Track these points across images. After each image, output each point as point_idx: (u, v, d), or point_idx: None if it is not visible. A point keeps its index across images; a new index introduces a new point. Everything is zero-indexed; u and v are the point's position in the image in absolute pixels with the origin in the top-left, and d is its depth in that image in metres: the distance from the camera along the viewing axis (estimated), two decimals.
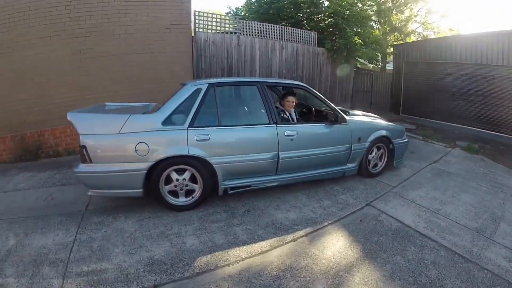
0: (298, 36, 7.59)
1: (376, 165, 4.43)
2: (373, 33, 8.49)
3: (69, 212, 3.29)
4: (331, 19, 8.10)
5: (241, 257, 2.57)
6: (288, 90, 4.09)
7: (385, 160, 4.48)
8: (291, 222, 3.18)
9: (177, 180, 3.25)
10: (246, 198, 3.64)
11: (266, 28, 7.12)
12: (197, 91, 3.35)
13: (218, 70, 6.49)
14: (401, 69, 8.47)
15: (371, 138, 4.17)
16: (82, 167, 3.04)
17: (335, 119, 3.90)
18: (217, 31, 6.58)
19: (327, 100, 4.01)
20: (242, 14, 9.64)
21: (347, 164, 4.12)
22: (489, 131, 6.47)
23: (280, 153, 3.48)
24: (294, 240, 2.88)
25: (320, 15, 8.54)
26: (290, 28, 7.55)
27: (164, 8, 5.60)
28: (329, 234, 3.01)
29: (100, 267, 2.39)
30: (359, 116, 4.49)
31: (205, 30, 6.39)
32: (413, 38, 10.17)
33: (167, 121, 3.21)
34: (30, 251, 2.60)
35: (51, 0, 5.11)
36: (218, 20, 6.57)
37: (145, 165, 3.08)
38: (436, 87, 7.39)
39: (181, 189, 3.30)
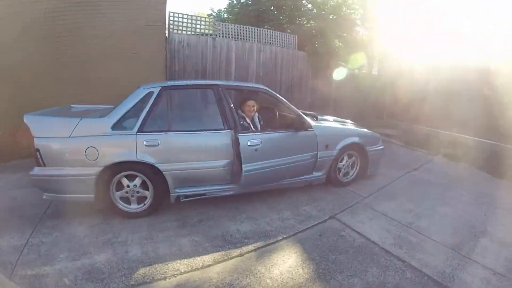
0: (277, 39, 7.27)
1: (347, 173, 4.06)
2: (356, 37, 8.18)
3: (29, 215, 3.16)
4: (313, 22, 7.77)
5: (180, 270, 2.35)
6: (248, 94, 3.72)
7: (357, 168, 4.11)
8: (242, 235, 2.85)
9: (128, 186, 3.08)
10: (203, 207, 3.33)
11: (243, 30, 6.79)
12: (149, 94, 3.15)
13: (192, 72, 6.15)
14: (385, 73, 8.12)
15: (341, 145, 3.81)
16: (37, 170, 2.94)
17: (300, 126, 3.54)
18: (192, 33, 6.26)
19: (291, 105, 3.66)
20: (225, 16, 9.36)
21: (313, 173, 3.76)
22: (476, 137, 6.05)
23: (243, 165, 3.11)
24: (240, 255, 2.56)
25: (302, 18, 8.23)
26: (268, 30, 7.23)
27: (139, 9, 5.33)
28: (281, 250, 2.65)
29: (43, 271, 2.32)
30: (328, 122, 4.14)
31: (179, 32, 6.07)
32: None
33: (117, 126, 3.02)
34: None
35: (27, 2, 4.88)
36: (194, 21, 6.25)
37: (94, 170, 2.93)
38: (422, 91, 7.01)
39: (132, 196, 3.12)
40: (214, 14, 9.34)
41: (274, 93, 3.67)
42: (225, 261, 2.48)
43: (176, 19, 6.00)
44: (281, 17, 8.29)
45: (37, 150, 2.87)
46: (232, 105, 3.31)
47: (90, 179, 2.92)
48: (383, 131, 7.21)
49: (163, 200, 3.18)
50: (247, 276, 2.29)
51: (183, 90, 3.47)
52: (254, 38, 6.84)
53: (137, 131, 3.00)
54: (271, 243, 2.73)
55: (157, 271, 2.34)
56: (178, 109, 3.37)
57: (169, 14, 5.85)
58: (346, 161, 3.96)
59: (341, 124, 4.25)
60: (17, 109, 4.05)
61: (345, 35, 7.74)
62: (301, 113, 3.63)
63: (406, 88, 7.07)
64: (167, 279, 2.26)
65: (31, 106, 4.02)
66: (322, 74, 7.84)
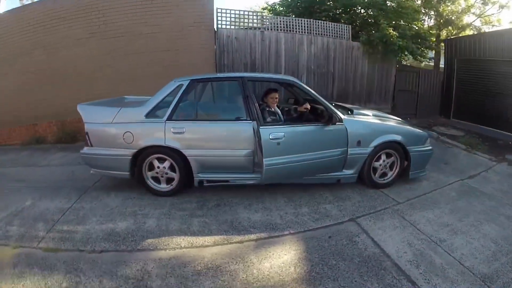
0: (329, 29, 6.64)
1: (385, 174, 3.55)
2: (416, 26, 6.93)
3: (80, 186, 3.65)
4: (371, 12, 6.85)
5: (181, 245, 2.51)
6: (271, 87, 3.55)
7: (397, 169, 3.55)
8: (250, 224, 2.81)
9: (158, 167, 3.29)
10: (224, 193, 3.37)
11: (292, 22, 6.41)
12: (179, 86, 3.29)
13: (241, 65, 6.11)
14: (453, 68, 6.74)
15: (376, 142, 3.34)
16: (86, 150, 3.36)
17: (328, 119, 3.20)
18: (241, 27, 6.19)
19: (319, 97, 3.34)
20: (280, 9, 8.97)
21: (343, 170, 3.38)
22: None
23: (264, 159, 2.92)
24: (240, 242, 2.55)
25: (357, 7, 7.35)
26: (319, 21, 6.65)
27: (187, 7, 5.51)
28: (282, 244, 2.51)
29: (75, 229, 2.75)
30: (363, 116, 3.65)
31: (227, 26, 6.07)
32: (468, 32, 7.97)
33: (150, 114, 3.25)
34: (37, 210, 3.10)
35: (87, 6, 5.50)
36: (241, 16, 6.18)
37: (130, 152, 3.21)
38: (493, 89, 5.64)
39: (162, 176, 3.32)
40: (269, 7, 9.04)
41: (303, 84, 3.42)
42: (223, 245, 2.49)
43: (223, 14, 6.01)
44: (335, 6, 7.58)
45: (87, 133, 3.29)
46: (254, 98, 3.20)
47: (126, 159, 3.22)
48: (447, 131, 6.16)
49: (189, 183, 3.28)
50: (237, 263, 2.26)
51: (210, 83, 3.51)
52: (305, 29, 6.42)
53: (166, 119, 3.17)
54: (275, 236, 2.61)
55: (161, 242, 2.53)
56: (204, 100, 3.45)
57: (216, 10, 5.89)
58: (384, 161, 3.46)
59: (380, 120, 3.72)
60: (85, 98, 4.59)
61: (406, 24, 6.64)
62: (330, 105, 3.30)
63: (478, 85, 5.79)
64: (167, 251, 2.42)
65: (96, 95, 4.53)
66: (380, 66, 7.00)
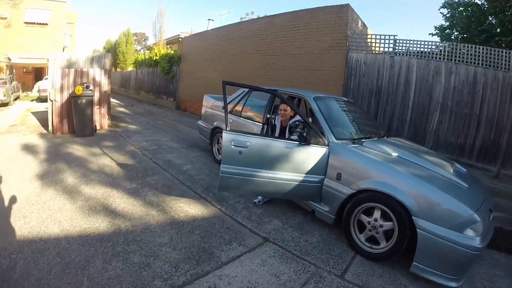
0: (478, 55, 3.85)
1: (374, 241, 2.30)
2: None
3: (194, 143, 5.50)
4: None
5: (179, 179, 3.66)
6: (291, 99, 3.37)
7: (393, 242, 2.17)
8: (215, 193, 3.29)
9: (220, 143, 4.30)
10: None
11: (428, 46, 4.38)
12: (242, 92, 4.09)
13: (366, 91, 5.20)
14: None
15: (362, 185, 2.30)
16: (199, 122, 4.98)
17: (309, 137, 2.64)
18: (371, 52, 5.16)
19: (319, 115, 2.82)
20: (447, 32, 5.58)
21: (321, 203, 2.64)
22: None
23: (221, 165, 2.51)
24: (195, 192, 3.29)
25: None
26: (463, 45, 3.98)
27: (325, 33, 5.57)
28: (204, 208, 2.95)
29: (162, 152, 4.70)
30: (370, 148, 2.55)
31: (358, 51, 5.28)
32: None
33: (223, 107, 4.28)
34: (162, 143, 5.38)
35: (255, 31, 7.03)
36: (372, 39, 5.09)
37: (210, 127, 4.53)
38: None
39: (221, 148, 4.32)
40: (438, 33, 5.97)
41: (311, 101, 2.99)
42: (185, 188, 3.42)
43: (354, 39, 5.40)
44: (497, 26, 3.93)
45: (202, 112, 4.87)
46: (268, 107, 3.46)
47: (208, 132, 4.56)
48: None
49: None
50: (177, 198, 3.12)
51: (258, 92, 3.83)
52: (444, 55, 4.33)
53: (229, 112, 4.01)
54: (210, 203, 3.02)
55: (177, 171, 3.88)
56: (251, 104, 3.93)
57: (348, 35, 5.40)
58: (376, 220, 2.24)
59: (395, 163, 2.33)
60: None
61: None
62: (324, 125, 2.72)
63: None
64: (172, 175, 3.71)
65: None
66: None
